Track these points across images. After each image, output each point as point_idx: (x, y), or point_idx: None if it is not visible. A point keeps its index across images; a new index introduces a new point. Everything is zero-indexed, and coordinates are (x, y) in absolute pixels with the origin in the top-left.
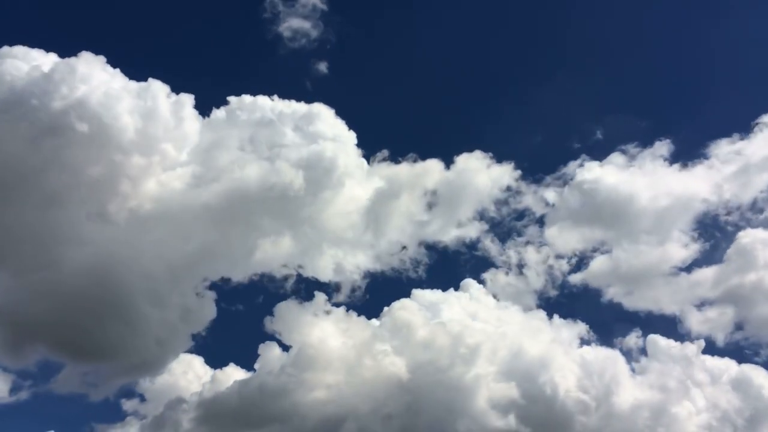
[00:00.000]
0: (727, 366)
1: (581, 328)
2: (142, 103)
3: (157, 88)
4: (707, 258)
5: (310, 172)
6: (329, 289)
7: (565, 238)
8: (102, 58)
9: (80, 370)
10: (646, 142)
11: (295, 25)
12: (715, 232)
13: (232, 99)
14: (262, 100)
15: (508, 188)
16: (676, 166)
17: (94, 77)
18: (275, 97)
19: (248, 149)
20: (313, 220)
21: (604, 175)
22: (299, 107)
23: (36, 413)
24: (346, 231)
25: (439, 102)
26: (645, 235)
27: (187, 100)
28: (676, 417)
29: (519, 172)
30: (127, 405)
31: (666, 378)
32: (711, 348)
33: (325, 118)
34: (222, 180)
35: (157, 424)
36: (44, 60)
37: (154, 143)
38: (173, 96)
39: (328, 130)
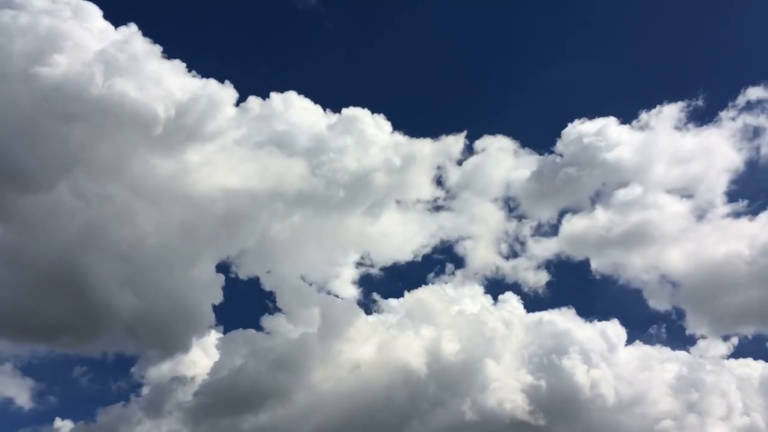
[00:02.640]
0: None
1: (606, 322)
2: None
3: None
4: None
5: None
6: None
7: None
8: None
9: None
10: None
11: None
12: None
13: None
14: (289, 96)
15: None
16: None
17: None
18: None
19: (275, 146)
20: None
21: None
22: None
23: (55, 408)
24: (360, 219)
25: (462, 82)
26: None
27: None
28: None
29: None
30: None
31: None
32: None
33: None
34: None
35: (156, 406)
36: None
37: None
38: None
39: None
